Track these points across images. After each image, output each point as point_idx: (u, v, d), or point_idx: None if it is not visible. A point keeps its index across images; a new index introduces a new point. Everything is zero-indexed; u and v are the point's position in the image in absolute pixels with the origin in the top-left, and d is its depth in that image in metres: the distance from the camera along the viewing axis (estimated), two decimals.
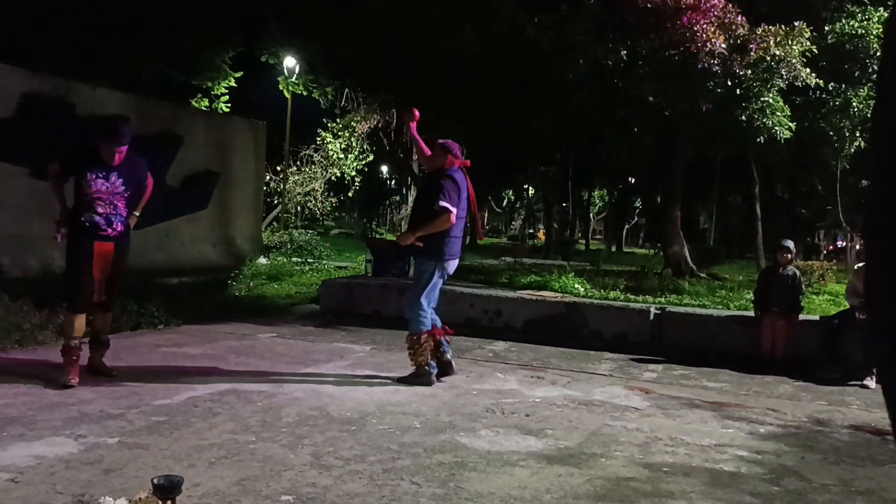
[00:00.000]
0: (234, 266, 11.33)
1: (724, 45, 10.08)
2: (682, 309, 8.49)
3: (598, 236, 55.28)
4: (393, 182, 46.66)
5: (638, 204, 41.39)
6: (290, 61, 16.98)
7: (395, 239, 5.49)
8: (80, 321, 5.23)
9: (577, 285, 10.25)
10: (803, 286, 7.78)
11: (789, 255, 7.61)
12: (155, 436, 4.14)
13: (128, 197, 5.37)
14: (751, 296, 9.16)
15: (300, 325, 8.59)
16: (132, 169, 5.41)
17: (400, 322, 8.69)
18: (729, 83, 10.50)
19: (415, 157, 25.31)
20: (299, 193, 23.58)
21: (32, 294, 6.87)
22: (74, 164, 5.29)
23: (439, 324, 5.93)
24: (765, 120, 11.21)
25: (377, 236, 34.27)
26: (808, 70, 10.90)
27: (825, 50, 13.39)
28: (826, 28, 14.34)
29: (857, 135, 15.31)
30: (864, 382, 6.61)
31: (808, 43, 10.90)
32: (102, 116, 9.82)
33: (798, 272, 7.67)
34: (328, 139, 22.64)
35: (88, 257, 5.16)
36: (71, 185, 5.29)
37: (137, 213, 5.55)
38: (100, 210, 5.20)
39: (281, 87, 17.80)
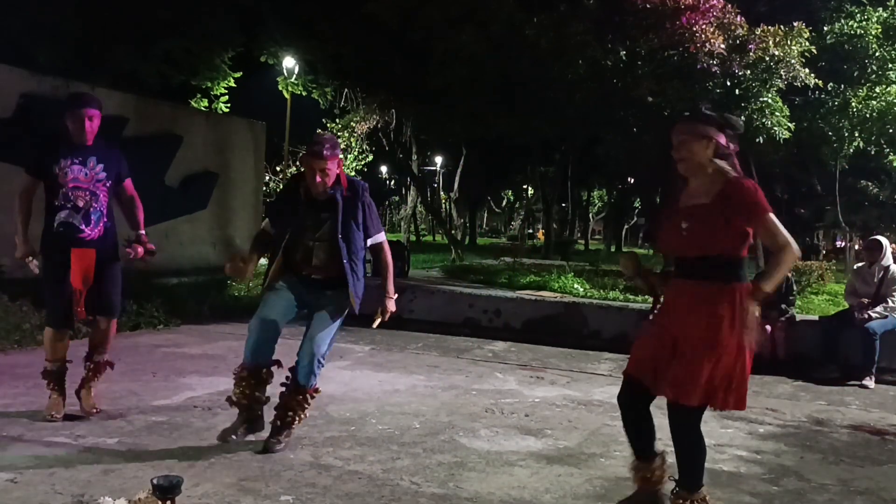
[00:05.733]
0: None
1: (723, 46, 10.08)
2: None
3: (597, 236, 55.27)
4: (392, 182, 46.65)
5: (637, 204, 41.37)
6: (289, 61, 16.94)
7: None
8: (60, 341, 4.45)
9: (576, 285, 10.24)
10: (795, 288, 7.92)
11: None
12: (154, 436, 4.14)
13: (110, 187, 4.49)
14: None
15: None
16: (110, 154, 4.55)
17: (399, 322, 8.75)
18: (728, 83, 10.50)
19: (414, 157, 25.30)
20: None
21: (32, 294, 6.85)
22: (43, 157, 4.42)
23: None
24: (764, 120, 11.20)
25: None
26: (806, 70, 10.89)
27: (824, 50, 13.39)
28: (825, 28, 14.34)
29: (856, 135, 15.32)
30: (864, 382, 6.62)
31: (807, 43, 10.90)
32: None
33: (791, 276, 7.78)
34: None
35: (64, 266, 4.32)
36: (41, 191, 4.47)
37: (143, 231, 4.65)
38: (80, 204, 4.35)
39: (280, 88, 17.77)
